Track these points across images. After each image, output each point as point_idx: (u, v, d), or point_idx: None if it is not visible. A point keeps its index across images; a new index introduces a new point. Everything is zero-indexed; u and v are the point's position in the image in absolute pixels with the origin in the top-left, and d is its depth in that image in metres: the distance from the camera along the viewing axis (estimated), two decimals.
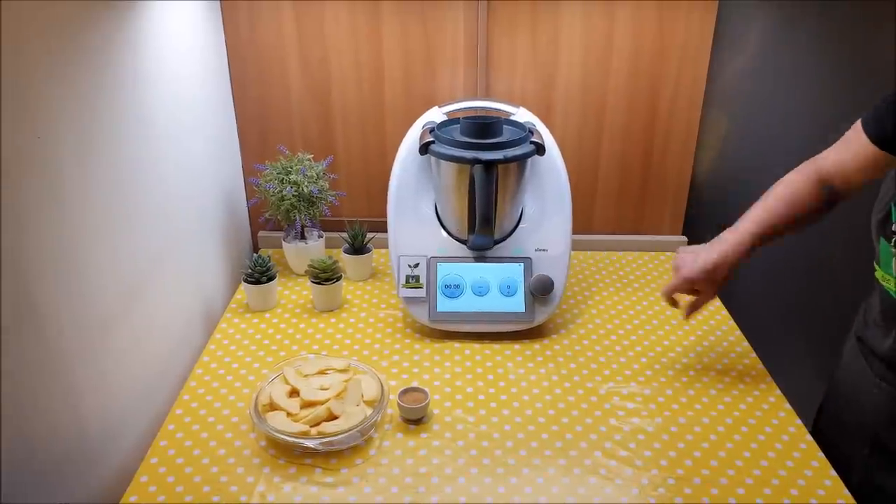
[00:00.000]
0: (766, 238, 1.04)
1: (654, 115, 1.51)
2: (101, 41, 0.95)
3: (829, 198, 1.02)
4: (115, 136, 0.99)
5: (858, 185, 0.99)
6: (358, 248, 1.46)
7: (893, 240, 0.93)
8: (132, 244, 1.05)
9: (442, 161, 1.20)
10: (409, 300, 1.26)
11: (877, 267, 1.00)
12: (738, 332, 1.31)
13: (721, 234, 1.07)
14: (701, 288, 1.08)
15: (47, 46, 0.82)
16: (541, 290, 1.25)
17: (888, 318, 0.99)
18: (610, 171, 1.57)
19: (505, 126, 1.27)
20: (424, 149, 1.21)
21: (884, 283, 0.98)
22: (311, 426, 1.00)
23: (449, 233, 1.29)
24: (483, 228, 1.19)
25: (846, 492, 0.94)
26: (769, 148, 1.56)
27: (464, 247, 1.28)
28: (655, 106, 1.50)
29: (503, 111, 1.33)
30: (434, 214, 1.30)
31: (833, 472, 0.97)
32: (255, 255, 1.35)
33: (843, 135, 1.00)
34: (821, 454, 1.01)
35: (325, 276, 1.33)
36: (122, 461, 1.02)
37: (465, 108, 1.34)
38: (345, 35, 1.43)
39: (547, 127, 1.32)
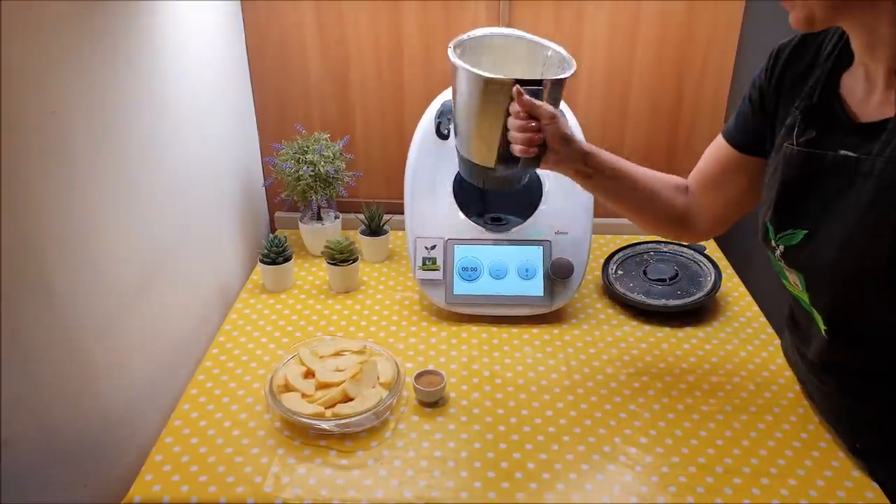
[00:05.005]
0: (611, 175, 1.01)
1: (679, 101, 1.48)
2: (117, 21, 0.93)
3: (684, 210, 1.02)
4: (130, 115, 0.98)
5: (710, 201, 1.00)
6: (375, 230, 1.44)
7: (776, 253, 0.86)
8: (149, 225, 1.04)
9: (471, 79, 1.02)
10: (425, 282, 1.25)
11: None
12: (763, 318, 1.27)
13: (590, 146, 1.01)
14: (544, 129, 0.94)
15: (64, 23, 0.81)
16: (560, 274, 1.22)
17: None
18: (634, 155, 1.52)
19: None
20: (439, 132, 1.17)
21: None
22: (326, 408, 0.99)
23: (466, 214, 1.27)
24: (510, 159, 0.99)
25: (871, 490, 0.91)
26: None
27: (482, 229, 1.26)
28: (681, 92, 1.47)
29: None
30: (451, 196, 1.28)
31: (855, 473, 0.93)
32: (271, 235, 1.34)
33: None
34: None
35: (341, 257, 1.32)
36: (142, 440, 1.01)
37: None
38: (364, 15, 1.40)
39: (570, 108, 1.29)
